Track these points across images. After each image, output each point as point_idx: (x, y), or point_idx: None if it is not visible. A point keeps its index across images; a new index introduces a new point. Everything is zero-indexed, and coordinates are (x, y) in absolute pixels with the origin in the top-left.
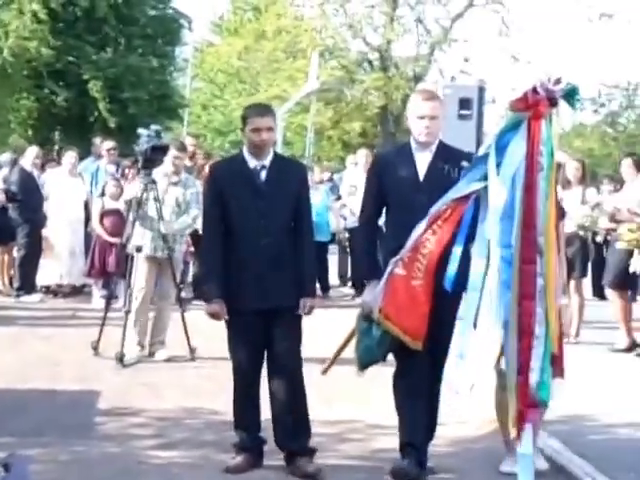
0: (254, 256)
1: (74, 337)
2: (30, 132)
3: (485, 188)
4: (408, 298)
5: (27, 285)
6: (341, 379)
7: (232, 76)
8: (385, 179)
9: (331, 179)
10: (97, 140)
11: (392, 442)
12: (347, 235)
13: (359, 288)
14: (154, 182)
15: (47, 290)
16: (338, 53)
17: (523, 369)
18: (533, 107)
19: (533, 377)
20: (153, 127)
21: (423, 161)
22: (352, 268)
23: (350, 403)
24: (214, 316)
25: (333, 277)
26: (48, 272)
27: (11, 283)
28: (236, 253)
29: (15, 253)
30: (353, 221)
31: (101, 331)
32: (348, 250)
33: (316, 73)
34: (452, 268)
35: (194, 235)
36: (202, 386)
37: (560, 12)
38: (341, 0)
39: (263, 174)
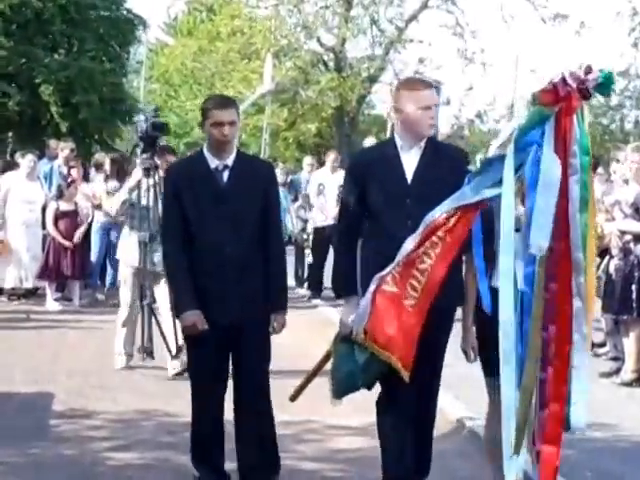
0: (216, 266)
1: (27, 339)
2: None
3: (499, 196)
4: (399, 320)
5: None
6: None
7: (187, 77)
8: (367, 181)
9: (291, 181)
10: (52, 142)
11: (350, 442)
12: (309, 236)
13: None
14: (156, 167)
15: (1, 292)
16: (293, 54)
17: (548, 402)
18: (564, 101)
19: (562, 408)
20: (150, 107)
21: (411, 161)
22: (332, 276)
23: (305, 403)
24: (192, 329)
25: (289, 278)
26: (7, 275)
27: None
28: (197, 263)
29: None
30: (322, 219)
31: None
32: (307, 252)
33: (271, 74)
34: (484, 288)
35: None
36: (156, 389)
37: (514, 13)
38: (295, 1)
39: (225, 175)
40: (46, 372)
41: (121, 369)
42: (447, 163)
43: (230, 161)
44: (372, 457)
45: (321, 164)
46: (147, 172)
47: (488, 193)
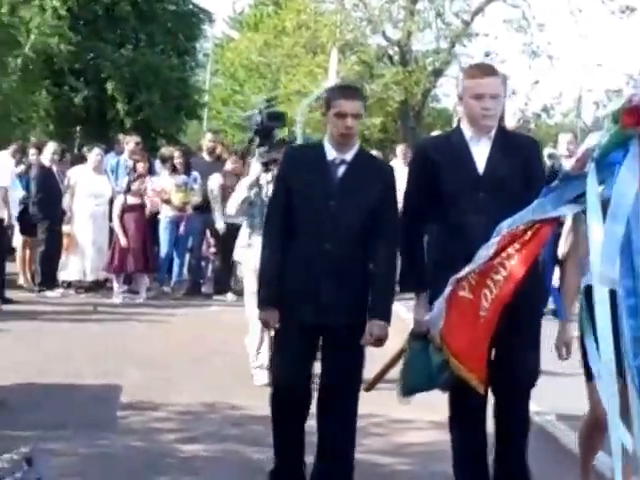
0: (313, 261)
1: (95, 332)
2: (51, 128)
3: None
4: (473, 329)
5: (48, 280)
6: None
7: (252, 71)
8: (434, 173)
9: None
10: (120, 136)
11: (416, 436)
12: None
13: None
14: (275, 160)
15: (68, 285)
16: (358, 48)
17: None
18: None
19: None
20: (260, 97)
21: (481, 151)
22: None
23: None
24: (266, 324)
25: None
26: (71, 268)
27: (33, 279)
28: (295, 255)
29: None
30: None
31: None
32: None
33: (336, 68)
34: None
35: (214, 231)
36: (222, 381)
37: (581, 5)
38: None
39: (341, 170)
40: (114, 364)
41: (192, 363)
42: (520, 153)
43: (350, 156)
44: (438, 451)
45: (387, 158)
46: (266, 167)
47: (567, 210)
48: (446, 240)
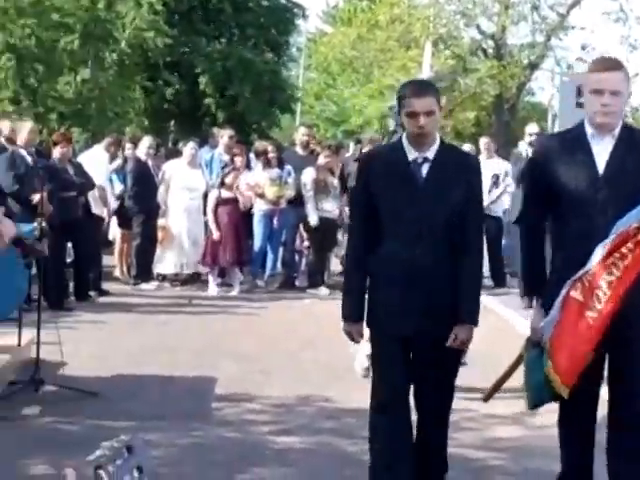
0: (402, 270)
1: (190, 324)
2: (146, 123)
3: None
4: (575, 330)
5: (144, 273)
6: None
7: (345, 66)
8: (553, 173)
9: None
10: (215, 130)
11: (507, 431)
12: None
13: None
14: None
15: (163, 278)
16: (452, 42)
17: None
18: None
19: None
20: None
21: (602, 150)
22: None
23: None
24: (350, 336)
25: None
26: (167, 262)
27: (129, 271)
28: (384, 264)
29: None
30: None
31: None
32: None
33: (429, 62)
34: None
35: (307, 225)
36: (316, 374)
37: None
38: None
39: (424, 169)
40: (208, 357)
41: (285, 356)
42: None
43: (431, 153)
44: (530, 446)
45: (478, 152)
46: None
47: None
48: (566, 243)
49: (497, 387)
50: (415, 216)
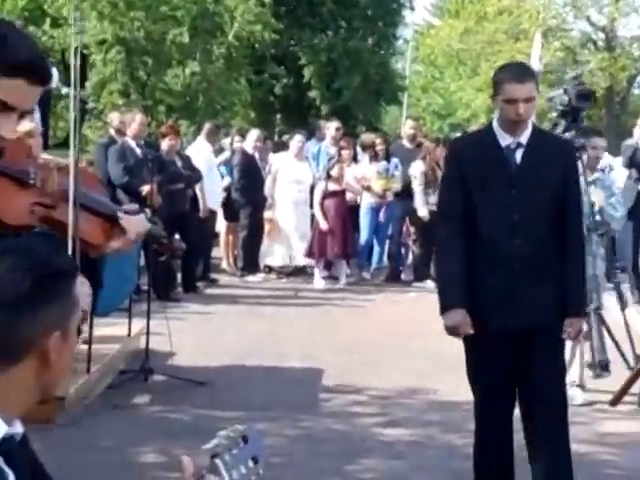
0: (503, 260)
1: (297, 316)
2: (252, 115)
3: None
4: None
5: (250, 265)
6: None
7: (452, 58)
8: None
9: None
10: (321, 122)
11: (616, 426)
12: None
13: None
14: (584, 147)
15: (270, 270)
16: (561, 34)
17: None
18: None
19: None
20: (571, 74)
21: None
22: None
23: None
24: (453, 330)
25: None
26: (274, 254)
27: (236, 263)
28: (478, 255)
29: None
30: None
31: None
32: None
33: (539, 54)
34: None
35: (414, 219)
36: (423, 366)
37: None
38: None
39: (518, 155)
40: (315, 348)
41: (392, 348)
42: None
43: (525, 138)
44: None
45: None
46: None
47: None
48: None
49: (624, 391)
50: (510, 202)
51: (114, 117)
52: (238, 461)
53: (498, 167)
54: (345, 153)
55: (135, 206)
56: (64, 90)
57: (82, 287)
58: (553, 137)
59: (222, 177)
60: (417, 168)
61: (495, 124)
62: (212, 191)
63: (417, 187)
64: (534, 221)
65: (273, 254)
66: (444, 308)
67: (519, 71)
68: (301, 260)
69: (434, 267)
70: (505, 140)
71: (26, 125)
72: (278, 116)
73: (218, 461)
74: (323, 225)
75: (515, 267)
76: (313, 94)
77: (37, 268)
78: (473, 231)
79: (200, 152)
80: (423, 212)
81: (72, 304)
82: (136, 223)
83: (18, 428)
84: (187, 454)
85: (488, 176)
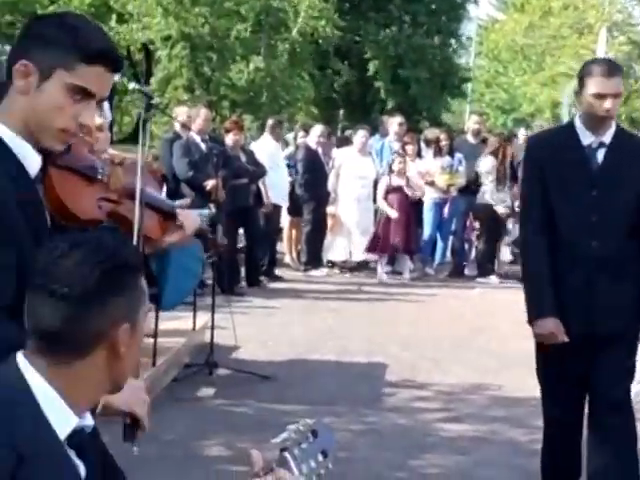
0: (580, 260)
1: (360, 311)
2: (316, 111)
3: None
4: None
5: (314, 260)
6: None
7: (516, 53)
8: None
9: None
10: (384, 118)
11: None
12: None
13: None
14: None
15: (333, 265)
16: (627, 28)
17: None
18: None
19: None
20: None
21: None
22: None
23: None
24: (547, 338)
25: None
26: (337, 249)
27: (299, 258)
28: (557, 254)
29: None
30: None
31: None
32: None
33: (604, 49)
34: None
35: (476, 214)
36: (488, 361)
37: None
38: None
39: (600, 154)
40: (379, 343)
41: (456, 344)
42: None
43: (608, 138)
44: None
45: None
46: None
47: None
48: None
49: None
50: (590, 203)
51: (181, 112)
52: (307, 455)
53: (579, 167)
54: (409, 148)
55: (187, 201)
56: (131, 85)
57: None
58: (637, 137)
59: (296, 173)
60: (487, 164)
61: (578, 122)
62: (276, 186)
63: (489, 183)
64: (613, 222)
65: (335, 249)
66: (537, 316)
67: (607, 66)
68: (363, 255)
69: (520, 267)
70: (587, 139)
71: (96, 119)
72: (341, 112)
73: (287, 455)
74: (393, 215)
75: (592, 268)
76: (378, 87)
77: (105, 261)
78: (552, 230)
79: (264, 147)
80: (501, 210)
81: (139, 296)
82: (193, 218)
83: (89, 420)
84: (256, 448)
85: (568, 175)
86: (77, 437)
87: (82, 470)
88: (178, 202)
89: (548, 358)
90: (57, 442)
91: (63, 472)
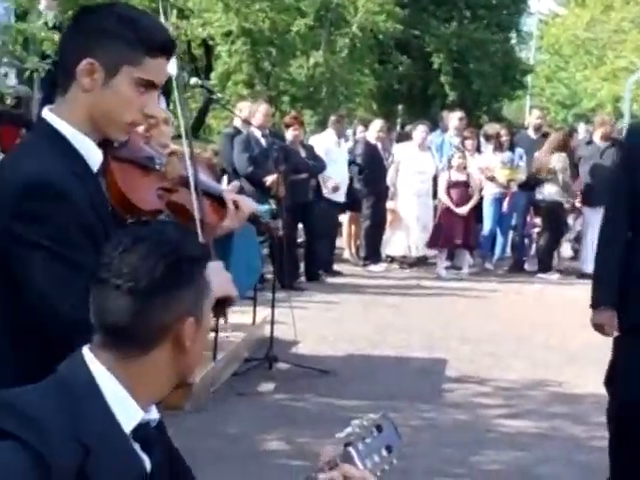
0: None
1: (420, 306)
2: (375, 106)
3: None
4: None
5: (373, 255)
6: None
7: (578, 48)
8: None
9: None
10: (444, 113)
11: None
12: None
13: None
14: None
15: (392, 260)
16: None
17: None
18: None
19: None
20: None
21: None
22: None
23: None
24: (600, 328)
25: None
26: (396, 243)
27: (358, 253)
28: (635, 253)
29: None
30: None
31: None
32: None
33: None
34: None
35: (538, 209)
36: (549, 357)
37: None
38: None
39: None
40: (439, 338)
41: (516, 339)
42: None
43: None
44: None
45: None
46: None
47: None
48: None
49: None
50: None
51: (243, 107)
52: (372, 450)
53: None
54: (469, 143)
55: (238, 184)
56: (192, 80)
57: (223, 273)
58: None
59: (362, 171)
60: (559, 160)
61: None
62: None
63: (561, 179)
64: None
65: (395, 244)
66: (595, 304)
67: None
68: (422, 250)
69: (594, 263)
70: None
71: (162, 112)
72: (400, 107)
73: (352, 450)
74: (453, 207)
75: None
76: (441, 81)
77: (170, 254)
78: (636, 230)
79: (323, 142)
80: (565, 205)
81: (204, 290)
82: (248, 203)
83: (154, 414)
84: (317, 443)
85: None
86: (142, 431)
87: (147, 464)
88: (229, 186)
89: (622, 357)
90: (122, 436)
91: (128, 466)
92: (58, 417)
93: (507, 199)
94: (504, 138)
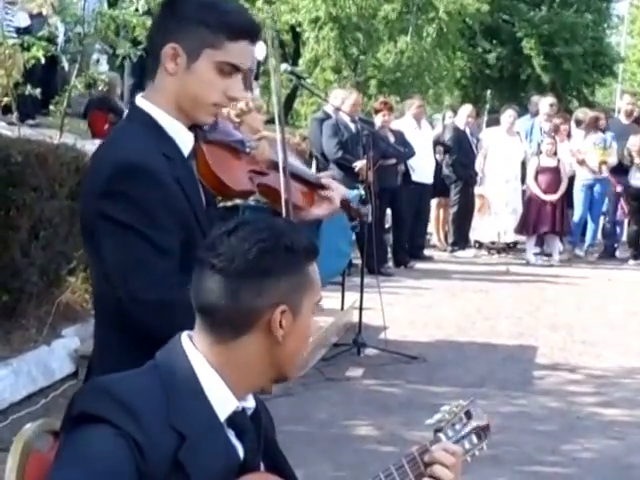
0: None
1: (509, 293)
2: (462, 91)
3: None
4: None
5: (461, 240)
6: None
7: None
8: None
9: None
10: (534, 98)
11: None
12: None
13: None
14: None
15: (480, 246)
16: None
17: None
18: None
19: None
20: None
21: None
22: None
23: None
24: None
25: None
26: (484, 229)
27: (446, 238)
28: None
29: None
30: None
31: None
32: None
33: None
34: None
35: (629, 195)
36: None
37: None
38: None
39: None
40: (528, 325)
41: (608, 327)
42: None
43: None
44: None
45: None
46: None
47: None
48: None
49: None
50: None
51: (337, 94)
52: (461, 436)
53: None
54: (562, 128)
55: (331, 173)
56: (282, 67)
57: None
58: None
59: (447, 151)
60: None
61: None
62: (422, 167)
63: None
64: None
65: (483, 230)
66: None
67: None
68: (511, 236)
69: None
70: None
71: (256, 100)
72: (488, 92)
73: (442, 435)
74: (542, 195)
75: None
76: (532, 65)
77: (269, 240)
78: None
79: (402, 128)
80: None
81: (305, 284)
82: (341, 190)
83: (250, 402)
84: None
85: None
86: (237, 418)
87: (240, 452)
88: (322, 174)
89: None
90: (217, 424)
91: (222, 453)
92: (155, 404)
93: (598, 185)
94: (602, 121)
